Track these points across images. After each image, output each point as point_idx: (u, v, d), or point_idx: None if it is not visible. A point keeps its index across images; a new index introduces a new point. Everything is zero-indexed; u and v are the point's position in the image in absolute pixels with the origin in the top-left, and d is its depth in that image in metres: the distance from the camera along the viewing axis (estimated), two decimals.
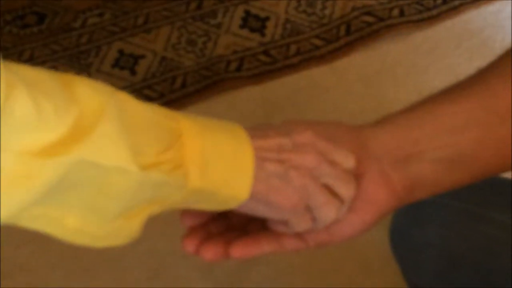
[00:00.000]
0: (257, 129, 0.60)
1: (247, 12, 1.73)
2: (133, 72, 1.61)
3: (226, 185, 0.56)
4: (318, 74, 1.63)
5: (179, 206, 0.57)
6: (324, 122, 0.66)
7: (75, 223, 0.53)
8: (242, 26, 1.70)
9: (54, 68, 1.59)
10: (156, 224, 1.36)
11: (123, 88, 1.55)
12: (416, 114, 0.67)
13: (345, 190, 0.62)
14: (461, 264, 0.94)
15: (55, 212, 0.52)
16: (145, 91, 1.58)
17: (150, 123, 0.53)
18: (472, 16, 1.72)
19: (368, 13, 1.72)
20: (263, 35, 1.69)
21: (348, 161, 0.62)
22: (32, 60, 1.62)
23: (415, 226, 0.98)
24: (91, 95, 0.50)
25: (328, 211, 0.61)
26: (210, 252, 0.62)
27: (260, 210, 0.60)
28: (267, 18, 1.72)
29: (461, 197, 0.94)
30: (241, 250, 0.62)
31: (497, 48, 0.71)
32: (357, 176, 0.64)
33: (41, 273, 1.34)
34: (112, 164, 0.50)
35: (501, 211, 0.92)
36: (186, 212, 0.64)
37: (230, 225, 0.65)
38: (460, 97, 0.67)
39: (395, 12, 1.72)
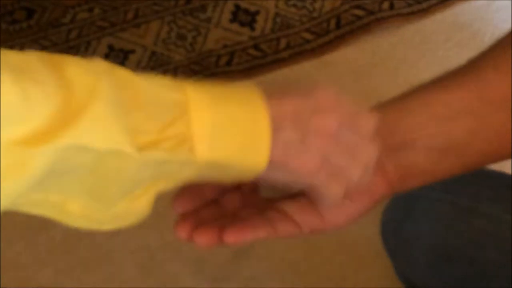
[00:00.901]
0: (274, 92, 0.58)
1: (237, 6, 1.72)
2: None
3: (242, 157, 0.54)
4: (309, 68, 1.63)
5: (194, 180, 0.55)
6: None
7: (77, 209, 0.52)
8: (232, 21, 1.70)
9: None
10: (147, 219, 1.35)
11: None
12: (408, 102, 0.67)
13: (368, 152, 0.60)
14: (453, 258, 0.94)
15: (55, 198, 0.51)
16: None
17: (152, 98, 0.52)
18: (462, 9, 1.72)
19: (358, 7, 1.71)
20: (253, 29, 1.69)
21: (369, 123, 0.60)
22: None
23: (407, 220, 0.98)
24: (83, 76, 0.49)
25: (353, 174, 0.59)
26: (204, 237, 0.60)
27: (279, 178, 0.58)
28: (257, 12, 1.71)
29: (452, 190, 0.94)
30: (235, 235, 0.60)
31: (487, 41, 0.70)
32: None
33: (31, 269, 1.33)
34: (106, 147, 0.48)
35: (492, 205, 0.92)
36: (177, 199, 0.62)
37: (222, 212, 0.64)
38: (452, 85, 0.67)
39: (385, 5, 1.72)
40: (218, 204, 0.64)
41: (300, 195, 0.63)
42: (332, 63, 1.64)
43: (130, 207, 0.54)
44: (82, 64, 0.50)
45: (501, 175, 0.96)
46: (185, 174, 0.54)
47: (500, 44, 0.70)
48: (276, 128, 0.55)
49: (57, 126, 0.46)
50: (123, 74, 0.52)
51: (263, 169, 0.55)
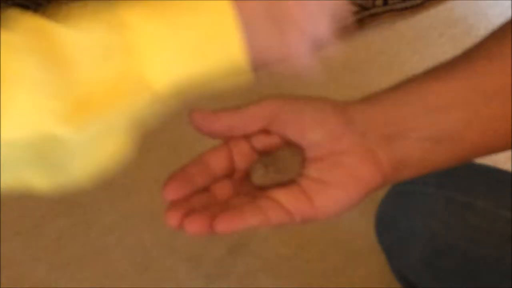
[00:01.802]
0: None
1: None
2: None
3: (215, 72, 0.51)
4: None
5: (178, 105, 0.52)
6: (310, 97, 0.65)
7: (42, 182, 0.50)
8: None
9: None
10: (142, 217, 1.35)
11: None
12: (402, 93, 0.67)
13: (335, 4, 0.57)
14: (447, 253, 0.95)
15: (13, 181, 0.49)
16: None
17: (91, 50, 0.49)
18: (456, 5, 1.72)
19: (352, 3, 1.71)
20: None
21: None
22: None
23: (401, 216, 0.98)
24: (8, 62, 0.46)
25: (324, 32, 0.59)
26: (194, 225, 0.59)
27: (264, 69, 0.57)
28: None
29: (446, 186, 0.94)
30: (226, 224, 0.59)
31: (481, 36, 0.71)
32: (343, 151, 0.63)
33: (26, 267, 1.33)
34: (38, 135, 0.46)
35: (487, 200, 0.92)
36: (167, 186, 0.61)
37: (213, 200, 0.63)
38: (446, 76, 0.67)
39: (379, 1, 1.72)
40: (209, 192, 0.63)
41: (292, 183, 0.63)
42: (326, 58, 1.64)
43: (106, 160, 0.51)
44: (8, 42, 0.47)
45: (495, 170, 0.96)
46: (156, 110, 0.51)
47: (493, 35, 0.70)
48: (250, 28, 0.52)
49: None
50: (54, 33, 0.49)
51: (249, 79, 0.53)
